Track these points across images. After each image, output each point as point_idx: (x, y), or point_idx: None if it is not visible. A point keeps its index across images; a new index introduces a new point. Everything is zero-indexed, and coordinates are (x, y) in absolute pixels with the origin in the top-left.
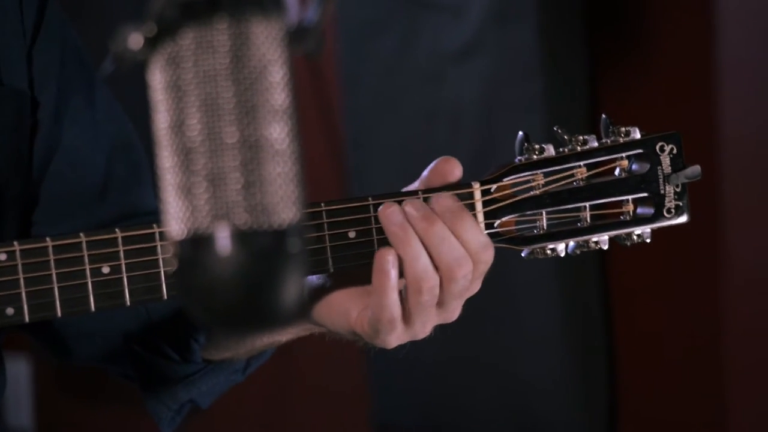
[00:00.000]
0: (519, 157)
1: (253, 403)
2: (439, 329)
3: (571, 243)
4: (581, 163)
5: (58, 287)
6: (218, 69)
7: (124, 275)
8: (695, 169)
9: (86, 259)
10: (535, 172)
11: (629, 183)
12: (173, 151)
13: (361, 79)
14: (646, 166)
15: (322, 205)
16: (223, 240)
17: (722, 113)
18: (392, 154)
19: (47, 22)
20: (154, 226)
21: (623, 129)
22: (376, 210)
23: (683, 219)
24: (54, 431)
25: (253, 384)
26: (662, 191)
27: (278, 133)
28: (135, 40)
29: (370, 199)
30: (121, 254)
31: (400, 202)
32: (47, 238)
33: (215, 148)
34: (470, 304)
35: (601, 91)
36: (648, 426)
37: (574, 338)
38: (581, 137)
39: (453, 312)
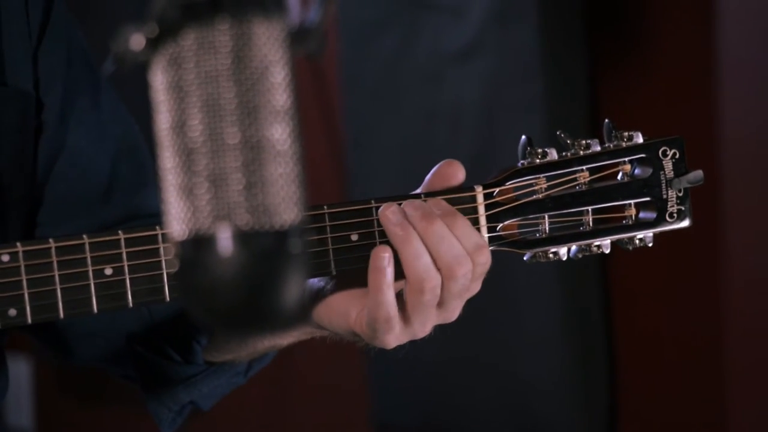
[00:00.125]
0: (522, 161)
1: (254, 403)
2: (439, 329)
3: (574, 247)
4: (584, 167)
5: (61, 289)
6: (220, 70)
7: (127, 277)
8: (698, 174)
9: (89, 261)
10: (537, 176)
11: (632, 187)
12: (175, 151)
13: (362, 79)
14: (649, 171)
15: (325, 207)
16: (225, 241)
17: (722, 114)
18: (392, 155)
19: (53, 23)
20: (157, 227)
21: (626, 133)
22: (378, 213)
23: (685, 223)
24: (54, 431)
25: (253, 384)
26: (665, 196)
27: (280, 133)
28: (137, 41)
29: (372, 201)
30: (124, 256)
31: None
32: (50, 240)
33: (217, 149)
34: (471, 304)
35: (601, 91)
36: (648, 427)
37: (574, 339)
38: (584, 141)
39: (453, 312)
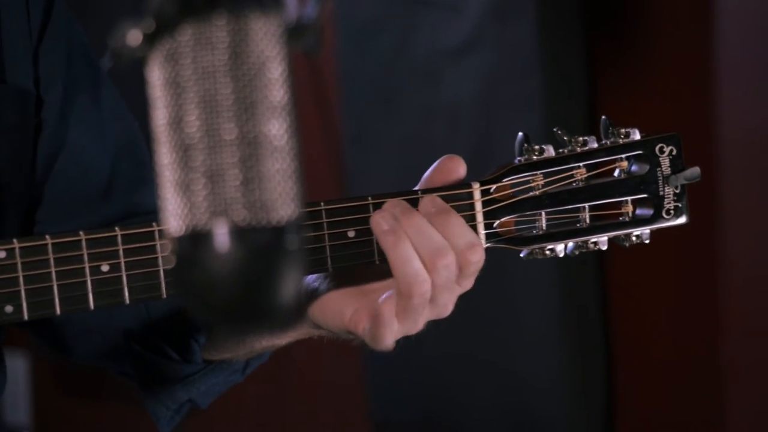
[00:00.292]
0: (519, 158)
1: (251, 400)
2: (434, 325)
3: (570, 244)
4: (581, 164)
5: (58, 285)
6: (217, 65)
7: (124, 273)
8: (694, 171)
9: (86, 257)
10: (534, 172)
11: (628, 184)
12: (172, 147)
13: (360, 75)
14: (646, 168)
15: (322, 204)
16: (222, 236)
17: (720, 112)
18: (390, 151)
19: (54, 21)
20: (154, 224)
21: (623, 130)
22: (375, 209)
23: (682, 220)
24: (52, 428)
25: (251, 381)
26: (661, 192)
27: (277, 129)
28: (133, 37)
29: (369, 198)
30: (121, 252)
31: None
32: (47, 236)
33: (214, 145)
34: (469, 302)
35: (599, 88)
36: (646, 424)
37: (572, 336)
38: (581, 138)
39: (445, 307)
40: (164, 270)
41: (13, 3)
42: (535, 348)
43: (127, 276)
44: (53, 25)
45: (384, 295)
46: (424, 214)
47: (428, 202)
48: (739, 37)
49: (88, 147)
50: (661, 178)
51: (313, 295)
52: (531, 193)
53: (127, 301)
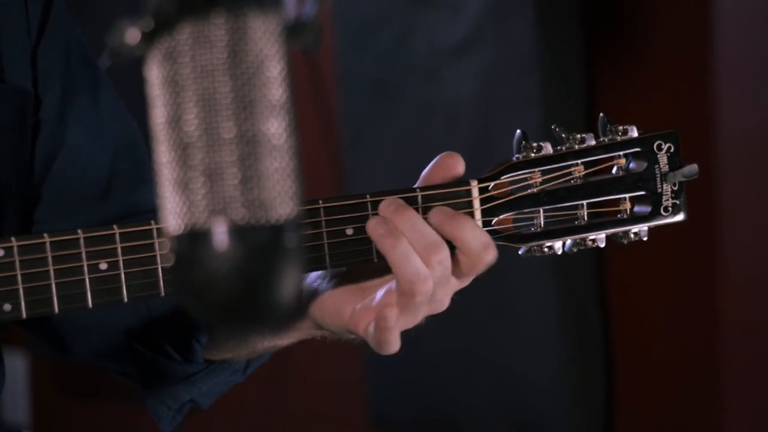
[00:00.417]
0: (516, 155)
1: (251, 400)
2: (435, 325)
3: (568, 241)
4: (579, 161)
5: (56, 283)
6: (215, 64)
7: (122, 271)
8: (692, 168)
9: (84, 256)
10: (532, 170)
11: (626, 181)
12: (170, 146)
13: (359, 74)
14: (644, 165)
15: (320, 202)
16: (220, 235)
17: (719, 110)
18: (389, 149)
19: (52, 20)
20: (152, 222)
21: (621, 127)
22: (374, 207)
23: (680, 217)
24: (51, 427)
25: (251, 380)
26: (659, 189)
27: (275, 128)
28: (132, 35)
29: (368, 196)
30: (119, 251)
31: None
32: (45, 235)
33: (212, 143)
34: (468, 299)
35: (597, 86)
36: (645, 423)
37: (571, 335)
38: (579, 135)
39: (441, 302)
40: (162, 268)
41: (11, 2)
42: (534, 347)
43: (126, 274)
44: (52, 24)
45: (381, 291)
46: (435, 224)
47: (438, 211)
48: (738, 36)
49: (87, 147)
50: (659, 175)
51: (313, 295)
52: (529, 191)
53: (126, 299)
